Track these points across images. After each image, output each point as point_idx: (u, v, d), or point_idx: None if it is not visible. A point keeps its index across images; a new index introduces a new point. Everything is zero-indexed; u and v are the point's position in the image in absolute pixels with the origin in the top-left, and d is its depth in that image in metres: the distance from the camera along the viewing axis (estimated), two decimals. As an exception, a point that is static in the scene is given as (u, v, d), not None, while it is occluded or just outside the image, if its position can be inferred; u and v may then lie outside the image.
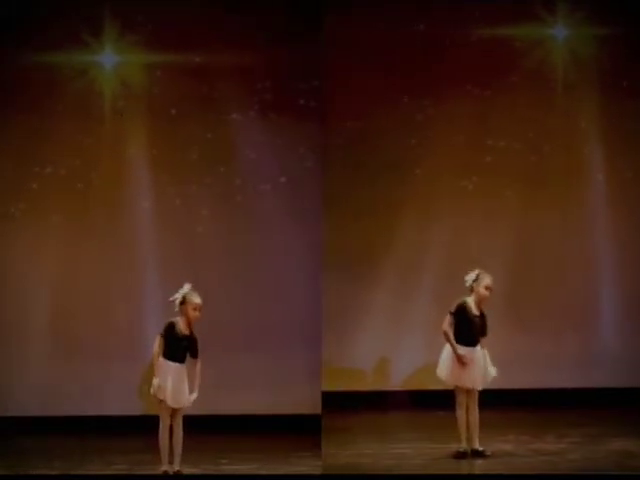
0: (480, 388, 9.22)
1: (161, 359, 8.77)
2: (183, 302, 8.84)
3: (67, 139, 11.16)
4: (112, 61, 11.18)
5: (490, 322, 9.30)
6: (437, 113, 11.72)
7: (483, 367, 9.22)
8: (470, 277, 9.23)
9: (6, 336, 11.05)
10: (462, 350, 9.13)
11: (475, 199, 11.75)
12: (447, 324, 9.14)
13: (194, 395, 8.76)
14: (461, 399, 9.20)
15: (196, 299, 8.86)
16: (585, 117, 11.80)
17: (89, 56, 11.12)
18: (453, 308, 9.18)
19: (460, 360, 9.09)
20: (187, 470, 8.94)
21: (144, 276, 11.14)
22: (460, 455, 9.17)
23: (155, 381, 8.71)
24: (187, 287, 8.90)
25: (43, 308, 11.11)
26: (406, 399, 11.66)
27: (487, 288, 9.20)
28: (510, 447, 9.53)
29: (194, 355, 8.87)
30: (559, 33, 11.70)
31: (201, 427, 9.52)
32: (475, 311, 9.21)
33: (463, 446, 9.20)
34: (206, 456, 9.58)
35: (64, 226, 11.17)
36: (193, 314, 8.84)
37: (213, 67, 11.21)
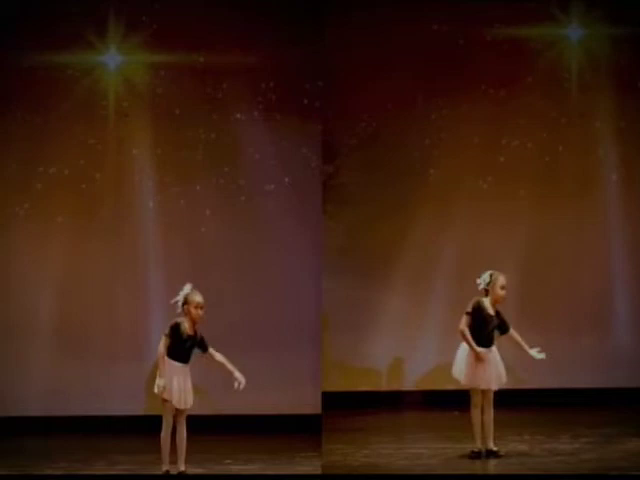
0: (495, 388, 9.05)
1: (166, 359, 8.68)
2: (185, 302, 8.75)
3: (71, 139, 10.99)
4: (116, 61, 11.01)
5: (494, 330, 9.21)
6: (451, 113, 11.55)
7: (497, 367, 9.05)
8: (484, 279, 9.06)
9: (10, 336, 10.87)
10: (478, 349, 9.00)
11: (489, 199, 11.59)
12: (464, 324, 8.96)
13: (242, 381, 8.69)
14: (476, 399, 9.04)
15: (198, 298, 8.74)
16: (600, 117, 11.64)
17: (93, 56, 10.96)
18: (470, 308, 9.00)
19: (479, 357, 8.94)
20: (191, 470, 8.79)
21: (148, 276, 10.98)
22: (475, 455, 9.01)
23: (160, 381, 8.60)
24: (188, 287, 8.78)
25: (47, 308, 10.95)
26: (420, 399, 11.58)
27: (503, 288, 9.04)
28: (525, 447, 9.39)
29: (205, 349, 8.75)
30: (574, 33, 11.53)
31: (205, 427, 9.47)
32: (491, 311, 9.06)
33: (478, 446, 9.04)
34: (211, 456, 9.43)
35: (68, 226, 11.01)
36: (196, 312, 8.72)
37: (217, 67, 11.05)
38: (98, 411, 10.86)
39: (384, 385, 11.61)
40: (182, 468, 8.78)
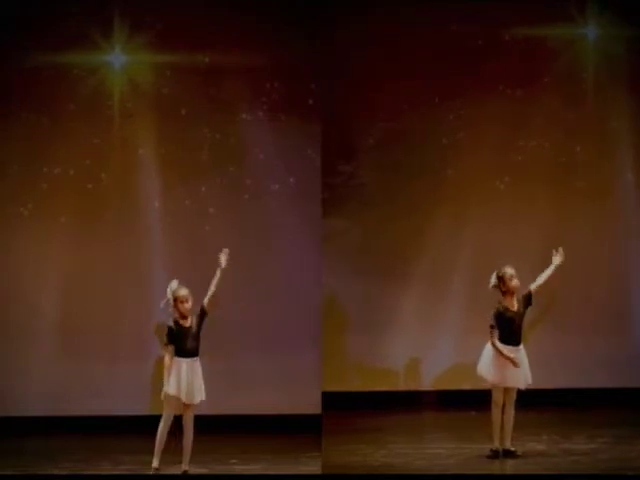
0: (523, 387, 8.88)
1: (174, 360, 8.56)
2: (174, 299, 8.69)
3: (76, 139, 10.87)
4: (121, 61, 10.89)
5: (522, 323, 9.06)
6: (469, 113, 11.41)
7: (525, 366, 8.88)
8: (493, 281, 8.89)
9: (15, 336, 10.80)
10: (508, 350, 8.82)
11: (507, 199, 11.46)
12: (494, 338, 8.80)
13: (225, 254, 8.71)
14: (498, 398, 8.87)
15: (182, 292, 8.70)
16: (616, 117, 11.47)
17: (99, 56, 10.86)
18: (491, 320, 8.81)
19: (514, 362, 8.76)
20: (196, 470, 8.72)
21: (152, 276, 10.83)
22: (493, 455, 8.85)
23: (164, 390, 8.54)
24: (174, 284, 8.70)
25: (52, 308, 10.85)
26: (437, 399, 11.42)
27: (512, 278, 8.84)
28: (542, 447, 9.25)
29: (205, 312, 8.68)
30: (591, 33, 11.38)
31: (217, 426, 9.43)
32: (512, 308, 8.86)
33: (496, 445, 8.87)
34: (215, 456, 9.36)
35: (73, 226, 10.90)
36: (183, 307, 8.66)
37: (222, 67, 10.92)
38: (101, 411, 10.74)
39: (401, 385, 11.45)
40: (185, 467, 8.68)
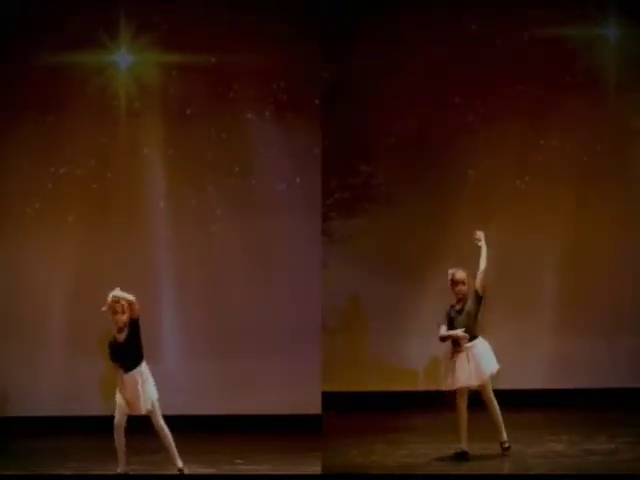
0: (475, 384, 8.72)
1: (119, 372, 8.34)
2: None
3: (82, 139, 10.89)
4: (128, 61, 10.88)
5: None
6: (489, 113, 11.34)
7: (476, 363, 8.73)
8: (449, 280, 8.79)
9: (23, 336, 10.80)
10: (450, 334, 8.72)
11: (527, 199, 11.35)
12: (440, 332, 8.76)
13: None
14: (460, 402, 8.77)
15: (108, 300, 8.38)
16: (637, 117, 11.36)
17: (105, 56, 10.86)
18: (440, 318, 8.80)
19: (459, 336, 8.65)
20: (202, 470, 8.63)
21: (159, 275, 10.83)
22: (457, 456, 8.72)
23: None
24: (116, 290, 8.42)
25: (59, 308, 10.88)
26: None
27: (452, 283, 8.74)
28: (562, 447, 9.12)
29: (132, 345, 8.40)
30: (611, 33, 11.25)
31: (218, 426, 9.31)
32: (456, 308, 8.76)
33: (460, 446, 8.74)
34: (218, 456, 9.31)
35: (79, 226, 10.91)
36: (113, 318, 8.39)
37: (229, 67, 10.90)
38: (109, 411, 10.63)
39: (421, 385, 11.37)
40: (180, 466, 8.53)
